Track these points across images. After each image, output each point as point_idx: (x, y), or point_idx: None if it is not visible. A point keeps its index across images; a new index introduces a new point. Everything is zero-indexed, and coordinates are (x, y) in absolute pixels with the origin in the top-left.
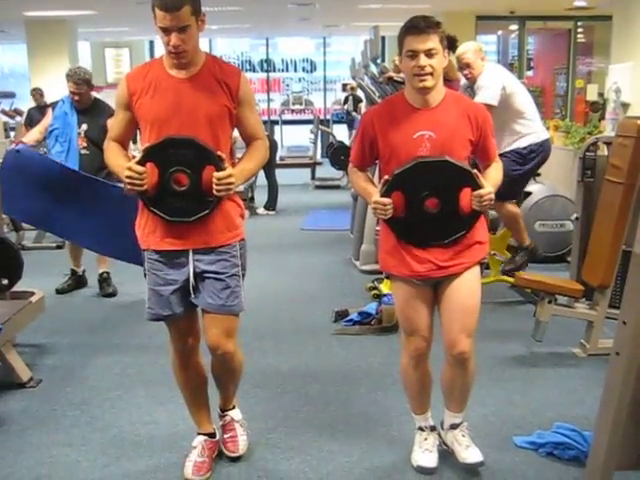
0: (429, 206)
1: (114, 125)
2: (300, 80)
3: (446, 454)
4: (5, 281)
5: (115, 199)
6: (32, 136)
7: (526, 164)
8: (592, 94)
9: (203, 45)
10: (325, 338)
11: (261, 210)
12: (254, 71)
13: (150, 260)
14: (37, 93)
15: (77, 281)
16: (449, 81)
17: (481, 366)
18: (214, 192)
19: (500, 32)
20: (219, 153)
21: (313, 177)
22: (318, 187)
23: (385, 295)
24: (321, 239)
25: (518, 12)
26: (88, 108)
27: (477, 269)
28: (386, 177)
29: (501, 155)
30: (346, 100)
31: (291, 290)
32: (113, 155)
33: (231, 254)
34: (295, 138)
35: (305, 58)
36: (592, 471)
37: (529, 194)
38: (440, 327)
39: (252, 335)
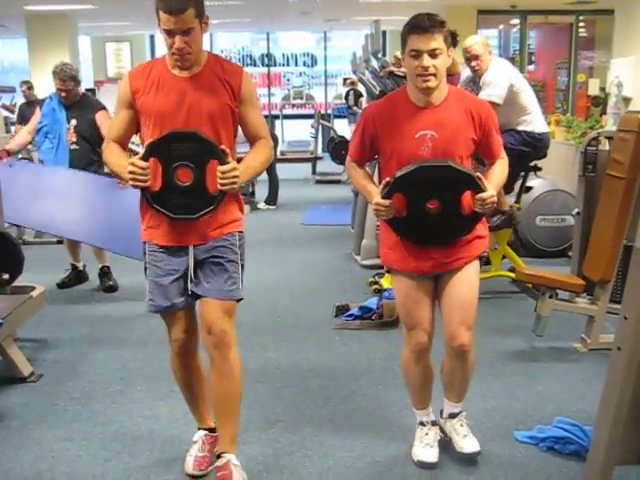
0: (430, 208)
1: (115, 124)
2: (301, 74)
3: (447, 448)
4: (6, 276)
5: (107, 190)
6: (20, 139)
7: (520, 145)
8: (594, 89)
9: (204, 39)
10: (326, 333)
11: (262, 205)
12: (255, 65)
13: (151, 252)
14: (26, 87)
15: (78, 276)
16: (449, 75)
17: (482, 361)
18: (218, 186)
19: (501, 26)
20: (223, 147)
21: (314, 172)
22: (319, 182)
23: (386, 290)
24: (322, 234)
25: (520, 6)
26: (76, 103)
27: (477, 263)
28: (387, 179)
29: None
30: (347, 95)
31: (292, 285)
32: (113, 155)
33: (230, 242)
34: (296, 133)
35: (306, 52)
36: (592, 466)
37: (530, 188)
38: (440, 321)
39: (252, 330)
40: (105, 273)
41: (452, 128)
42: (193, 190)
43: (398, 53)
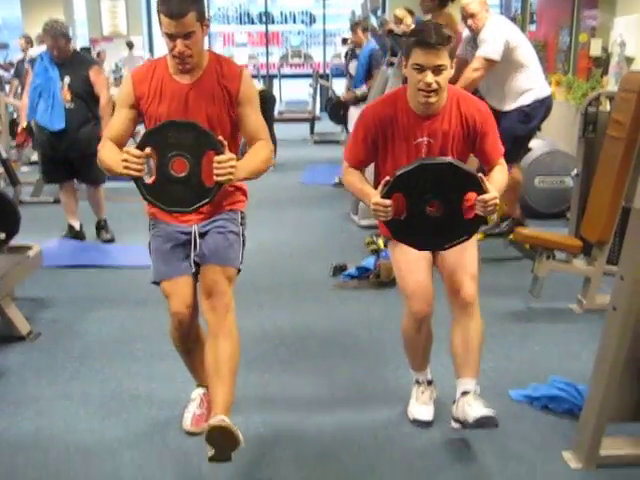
0: (431, 209)
1: (115, 123)
2: (299, 33)
3: (443, 408)
4: (2, 235)
5: None
6: (25, 109)
7: (530, 122)
8: (596, 49)
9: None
10: (323, 292)
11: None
12: (252, 23)
13: (154, 226)
14: (25, 41)
15: (75, 235)
16: None
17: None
18: (214, 177)
19: None
20: (220, 138)
21: (312, 132)
22: (317, 142)
23: (383, 250)
24: (320, 194)
25: None
26: (68, 61)
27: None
28: (387, 178)
29: (505, 114)
30: (346, 54)
31: (289, 244)
32: (109, 152)
33: (232, 217)
34: (294, 92)
35: (304, 11)
36: (586, 423)
37: (529, 149)
38: (443, 284)
39: (250, 289)
40: (102, 226)
41: (448, 135)
42: (188, 181)
43: (397, 11)
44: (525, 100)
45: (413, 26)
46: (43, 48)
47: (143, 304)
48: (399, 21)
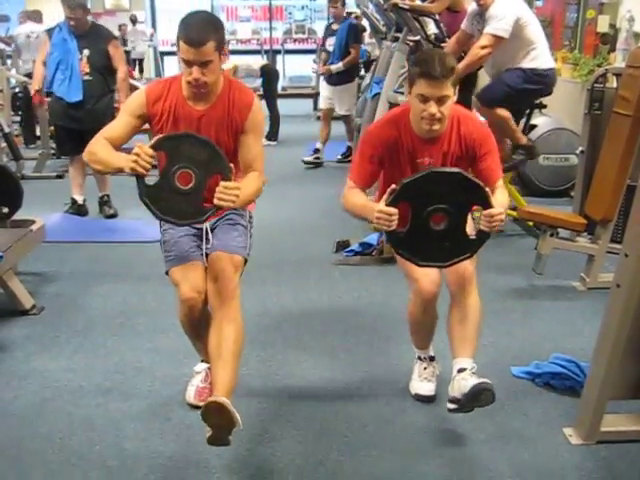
0: (435, 222)
1: (115, 126)
2: (303, 8)
3: (445, 383)
4: (5, 210)
5: None
6: (39, 74)
7: (527, 82)
8: (603, 25)
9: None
10: (326, 268)
11: (263, 141)
12: None
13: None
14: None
15: (78, 210)
16: (455, 12)
17: (481, 298)
18: (215, 200)
19: None
20: (231, 165)
21: (315, 107)
22: (320, 118)
23: None
24: (323, 170)
25: None
26: (87, 33)
27: None
28: (393, 186)
29: (505, 70)
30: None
31: (292, 221)
32: (105, 148)
33: (241, 213)
34: (297, 68)
35: None
36: (587, 400)
37: (534, 127)
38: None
39: (252, 265)
40: (105, 202)
41: (448, 155)
42: (188, 196)
43: None
44: (527, 65)
45: (418, 1)
46: (26, 27)
47: (146, 279)
48: None
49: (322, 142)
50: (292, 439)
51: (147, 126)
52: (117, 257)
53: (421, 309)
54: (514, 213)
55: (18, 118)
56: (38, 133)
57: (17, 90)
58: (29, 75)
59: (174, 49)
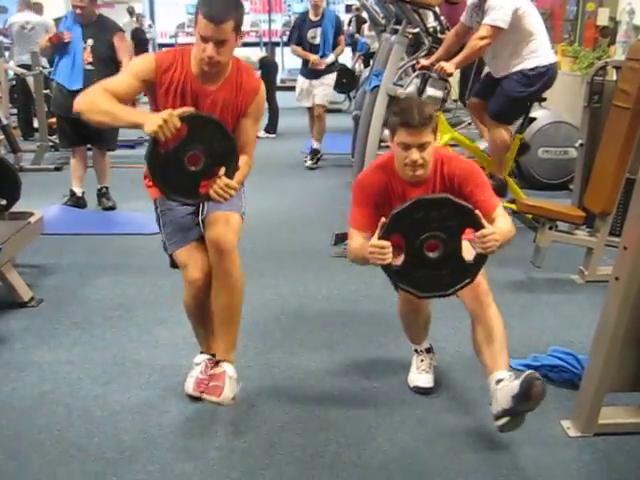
0: (430, 250)
1: (119, 83)
2: (302, 0)
3: (442, 375)
4: (3, 202)
5: None
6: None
7: (531, 86)
8: (603, 18)
9: None
10: (324, 260)
11: (261, 133)
12: None
13: (162, 203)
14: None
15: (76, 202)
16: (454, 3)
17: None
18: (211, 192)
19: None
20: (239, 164)
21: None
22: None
23: None
24: (322, 163)
25: None
26: (93, 23)
27: None
28: (383, 219)
29: (506, 77)
30: (350, 22)
31: (291, 213)
32: (111, 101)
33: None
34: (296, 60)
35: None
36: (585, 392)
37: (533, 120)
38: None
39: (251, 257)
40: (104, 194)
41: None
42: (188, 176)
43: None
44: (528, 65)
45: None
46: (21, 16)
47: (144, 271)
48: None
49: (318, 140)
50: (291, 431)
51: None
52: (115, 249)
53: (412, 315)
54: (513, 206)
55: (16, 110)
56: (36, 125)
57: (14, 82)
58: (23, 66)
59: (172, 41)
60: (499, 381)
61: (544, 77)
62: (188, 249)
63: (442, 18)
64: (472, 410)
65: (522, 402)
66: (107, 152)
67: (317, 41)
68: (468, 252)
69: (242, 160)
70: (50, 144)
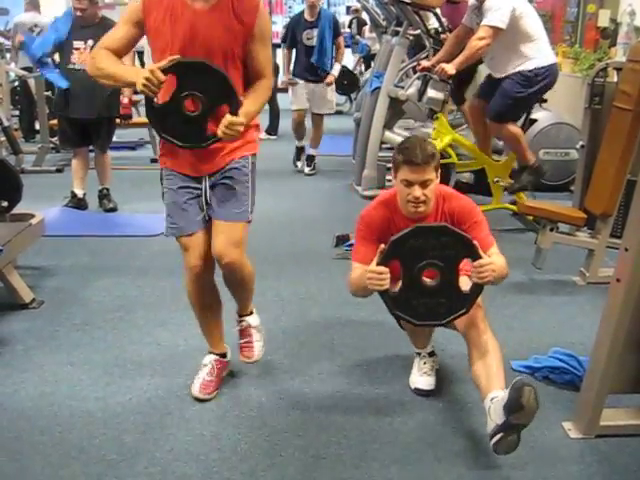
0: (427, 278)
1: (114, 36)
2: (303, 2)
3: (443, 377)
4: (5, 203)
5: None
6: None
7: (531, 87)
8: (604, 20)
9: None
10: (326, 262)
11: (262, 135)
12: None
13: (168, 177)
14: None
15: (77, 204)
16: (455, 3)
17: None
18: (219, 132)
19: None
20: (241, 98)
21: None
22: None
23: None
24: (323, 164)
25: None
26: (94, 25)
27: None
28: (382, 246)
29: (506, 77)
30: (350, 23)
31: (292, 215)
32: (111, 61)
33: (242, 164)
34: None
35: None
36: (586, 394)
37: (534, 121)
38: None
39: (252, 259)
40: (105, 195)
41: None
42: (193, 122)
43: None
44: (528, 66)
45: None
46: (28, 16)
47: (144, 273)
48: None
49: (314, 146)
50: (292, 432)
51: None
52: (117, 251)
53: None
54: (514, 207)
55: (17, 112)
56: (37, 127)
57: (16, 84)
58: (27, 69)
59: None
60: (493, 398)
61: (544, 78)
62: (190, 237)
63: (443, 19)
64: (473, 412)
65: (514, 412)
66: (108, 151)
67: (313, 42)
68: (465, 284)
69: (260, 85)
70: (51, 146)
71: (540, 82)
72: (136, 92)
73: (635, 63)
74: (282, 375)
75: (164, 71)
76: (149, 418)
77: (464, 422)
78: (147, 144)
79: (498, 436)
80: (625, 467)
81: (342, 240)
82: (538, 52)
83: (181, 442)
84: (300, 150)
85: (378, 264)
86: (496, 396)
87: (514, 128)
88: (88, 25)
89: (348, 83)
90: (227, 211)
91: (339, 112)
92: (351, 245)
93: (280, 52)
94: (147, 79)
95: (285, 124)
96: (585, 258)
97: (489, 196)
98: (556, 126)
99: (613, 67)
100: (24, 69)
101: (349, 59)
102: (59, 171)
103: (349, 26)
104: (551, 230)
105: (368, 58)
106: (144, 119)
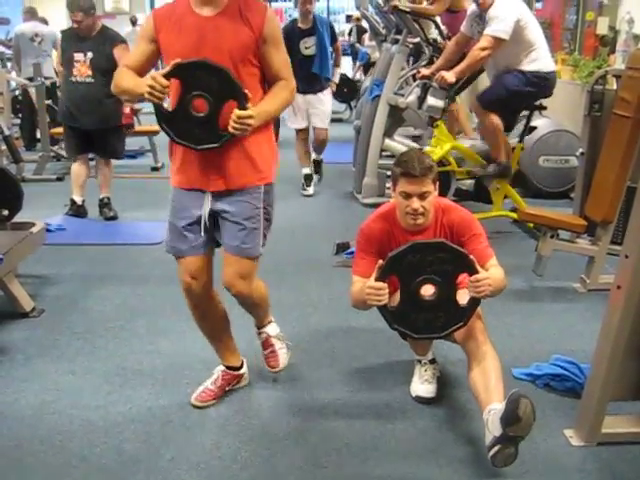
0: (425, 292)
1: (133, 55)
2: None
3: (444, 385)
4: (5, 212)
5: None
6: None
7: (526, 86)
8: (602, 28)
9: None
10: (326, 270)
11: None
12: None
13: (174, 195)
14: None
15: (77, 211)
16: (455, 12)
17: (482, 305)
18: (229, 128)
19: None
20: (246, 91)
21: None
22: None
23: None
24: (323, 172)
25: None
26: (94, 36)
27: None
28: (380, 261)
29: (507, 72)
30: (350, 32)
31: (292, 223)
32: (127, 76)
33: (252, 196)
34: None
35: None
36: (587, 401)
37: (534, 128)
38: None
39: None
40: (105, 204)
41: None
42: (204, 123)
43: None
44: (527, 67)
45: (425, 3)
46: (28, 25)
47: (145, 281)
48: None
49: (308, 165)
50: (293, 441)
51: None
52: (117, 259)
53: None
54: (514, 215)
55: (18, 121)
56: (38, 136)
57: (17, 93)
58: (31, 79)
59: None
60: (491, 410)
61: (542, 82)
62: (184, 259)
63: (443, 27)
64: (475, 420)
65: (510, 424)
66: (111, 160)
67: (312, 51)
68: (462, 297)
69: (277, 85)
70: (52, 154)
71: (536, 85)
72: (141, 101)
73: (634, 70)
74: (283, 383)
75: (167, 76)
76: (150, 427)
77: (466, 429)
78: (148, 152)
79: (495, 448)
80: (626, 475)
81: (342, 248)
82: (538, 59)
83: (182, 451)
84: (309, 176)
85: (376, 279)
86: (494, 408)
87: (497, 120)
88: (87, 37)
89: (348, 91)
90: (237, 247)
91: (339, 120)
92: (351, 253)
93: None
94: (150, 86)
95: (285, 132)
96: (585, 265)
97: (489, 203)
98: (556, 133)
99: (612, 74)
100: (28, 79)
101: (348, 67)
102: (60, 180)
103: (349, 34)
104: (551, 237)
105: (368, 66)
106: (145, 127)
